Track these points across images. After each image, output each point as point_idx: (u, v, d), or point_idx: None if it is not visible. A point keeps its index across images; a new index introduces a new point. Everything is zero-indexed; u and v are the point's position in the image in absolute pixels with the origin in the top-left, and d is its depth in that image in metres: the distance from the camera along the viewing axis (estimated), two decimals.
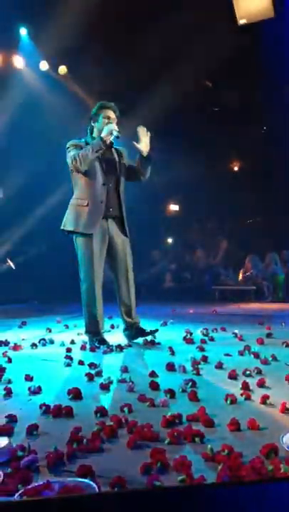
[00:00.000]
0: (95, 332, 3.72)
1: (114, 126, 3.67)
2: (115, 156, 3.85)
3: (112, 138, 3.69)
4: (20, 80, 8.40)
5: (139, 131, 3.78)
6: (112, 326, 4.62)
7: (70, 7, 6.80)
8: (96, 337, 3.68)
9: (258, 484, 0.97)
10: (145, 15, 7.40)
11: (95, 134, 3.80)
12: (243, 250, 9.48)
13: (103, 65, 8.05)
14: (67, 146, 3.74)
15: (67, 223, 3.72)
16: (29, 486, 1.30)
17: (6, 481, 1.37)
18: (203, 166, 9.59)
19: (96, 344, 3.61)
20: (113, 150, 3.88)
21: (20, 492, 1.26)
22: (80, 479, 1.35)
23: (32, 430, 1.81)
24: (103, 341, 3.65)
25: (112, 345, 3.57)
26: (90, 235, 3.66)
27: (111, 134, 3.64)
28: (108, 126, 3.65)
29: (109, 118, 3.75)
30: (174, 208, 11.31)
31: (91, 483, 1.31)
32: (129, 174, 3.90)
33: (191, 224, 10.88)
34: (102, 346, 3.56)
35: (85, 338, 3.83)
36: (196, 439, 1.70)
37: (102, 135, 3.62)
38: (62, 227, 3.75)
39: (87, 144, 3.71)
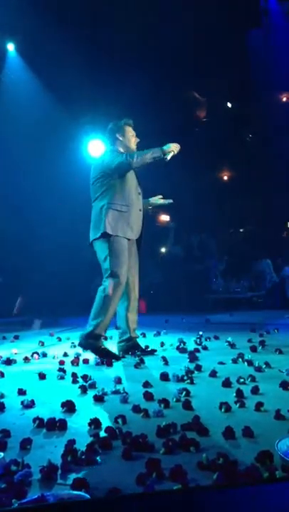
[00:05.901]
0: (99, 337, 3.61)
1: (175, 149, 3.62)
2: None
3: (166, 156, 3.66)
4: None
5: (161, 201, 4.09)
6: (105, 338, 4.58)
7: None
8: (100, 347, 3.60)
9: (253, 486, 0.97)
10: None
11: (118, 147, 3.80)
12: (236, 258, 9.53)
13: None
14: (112, 150, 3.77)
15: (107, 227, 3.58)
16: (24, 500, 1.28)
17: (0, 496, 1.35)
18: (193, 175, 9.66)
19: (98, 357, 3.51)
20: None
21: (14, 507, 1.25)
22: (75, 492, 1.34)
23: (25, 444, 1.79)
24: (106, 353, 3.55)
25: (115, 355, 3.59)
26: (127, 239, 3.68)
27: (169, 153, 3.62)
28: (171, 147, 3.59)
29: (133, 136, 3.84)
30: (165, 218, 11.34)
31: (86, 495, 1.30)
32: None
33: (181, 234, 10.90)
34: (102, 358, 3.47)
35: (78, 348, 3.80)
36: (191, 448, 1.69)
37: (165, 149, 3.57)
38: (102, 231, 3.58)
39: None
